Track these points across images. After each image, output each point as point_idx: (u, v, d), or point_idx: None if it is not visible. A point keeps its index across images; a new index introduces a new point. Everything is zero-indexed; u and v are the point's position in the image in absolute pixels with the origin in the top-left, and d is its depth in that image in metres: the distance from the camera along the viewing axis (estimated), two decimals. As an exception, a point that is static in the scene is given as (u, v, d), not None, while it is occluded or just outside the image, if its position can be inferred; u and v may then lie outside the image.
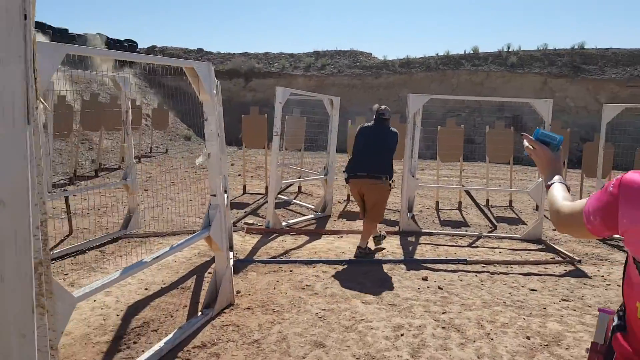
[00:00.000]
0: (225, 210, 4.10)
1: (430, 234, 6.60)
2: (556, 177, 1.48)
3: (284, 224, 6.78)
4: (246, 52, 23.46)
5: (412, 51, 39.46)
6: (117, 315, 3.71)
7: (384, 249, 5.75)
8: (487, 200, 8.99)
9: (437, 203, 8.60)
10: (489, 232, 6.90)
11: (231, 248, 5.43)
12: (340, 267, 5.02)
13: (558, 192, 1.40)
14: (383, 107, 5.39)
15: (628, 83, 18.27)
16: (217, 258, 3.89)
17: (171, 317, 3.72)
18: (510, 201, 9.06)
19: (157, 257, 3.20)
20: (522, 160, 14.21)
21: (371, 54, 22.19)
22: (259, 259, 5.23)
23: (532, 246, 6.16)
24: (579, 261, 5.42)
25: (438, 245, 6.07)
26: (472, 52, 20.58)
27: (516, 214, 8.28)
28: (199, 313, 3.75)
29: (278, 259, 5.28)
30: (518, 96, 18.84)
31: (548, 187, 1.47)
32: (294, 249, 5.74)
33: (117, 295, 4.07)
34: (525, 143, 1.62)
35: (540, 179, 6.35)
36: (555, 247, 6.04)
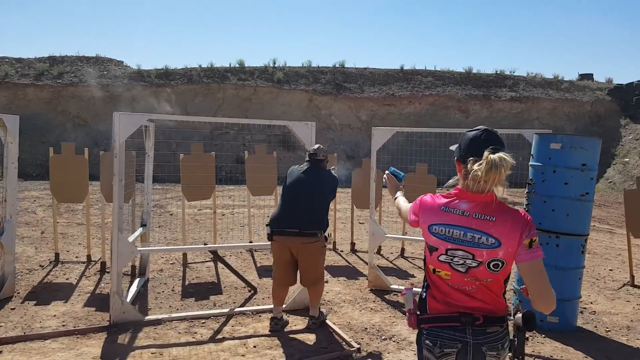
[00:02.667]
0: None
1: (158, 322, 4.40)
2: (398, 193, 2.47)
3: None
4: (-47, 55, 18.11)
5: (172, 62, 36.86)
6: None
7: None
8: (250, 241, 7.26)
9: (185, 256, 6.48)
10: (247, 300, 5.10)
11: None
12: None
13: (400, 199, 2.40)
14: (317, 145, 4.46)
15: (384, 101, 19.20)
16: None
17: None
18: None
19: None
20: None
21: (123, 62, 19.03)
22: None
23: (300, 322, 4.50)
24: (359, 350, 3.91)
25: (165, 346, 3.93)
26: (238, 65, 19.24)
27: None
28: None
29: None
30: (287, 112, 18.15)
31: (395, 198, 2.45)
32: None
33: None
34: (385, 176, 2.59)
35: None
36: (328, 322, 4.48)
